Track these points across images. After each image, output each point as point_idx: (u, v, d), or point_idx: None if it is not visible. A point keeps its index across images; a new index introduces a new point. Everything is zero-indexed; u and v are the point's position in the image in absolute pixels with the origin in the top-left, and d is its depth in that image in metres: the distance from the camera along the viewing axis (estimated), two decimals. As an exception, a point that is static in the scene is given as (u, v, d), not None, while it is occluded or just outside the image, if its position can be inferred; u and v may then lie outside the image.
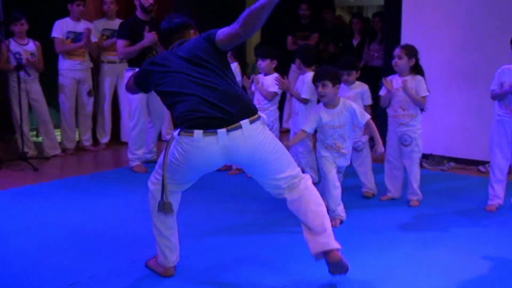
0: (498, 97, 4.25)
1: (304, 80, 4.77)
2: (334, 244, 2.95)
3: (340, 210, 4.08)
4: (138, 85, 3.15)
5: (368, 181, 4.73)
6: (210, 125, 2.73)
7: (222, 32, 2.80)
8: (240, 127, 2.74)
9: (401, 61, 4.39)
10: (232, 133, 2.73)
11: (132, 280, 3.11)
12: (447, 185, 5.20)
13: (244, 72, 6.09)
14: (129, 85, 3.26)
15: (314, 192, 3.02)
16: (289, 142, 4.11)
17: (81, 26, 6.32)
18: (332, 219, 3.96)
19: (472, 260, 3.41)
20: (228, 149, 2.76)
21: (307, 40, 7.36)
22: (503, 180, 4.39)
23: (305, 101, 4.69)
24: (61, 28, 6.26)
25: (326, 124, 4.05)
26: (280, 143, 2.99)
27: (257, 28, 2.75)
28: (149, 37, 5.31)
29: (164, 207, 2.89)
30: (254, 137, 2.79)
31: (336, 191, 4.07)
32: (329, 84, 3.94)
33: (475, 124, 5.73)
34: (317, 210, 2.97)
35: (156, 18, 5.58)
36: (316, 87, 4.04)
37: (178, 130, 2.80)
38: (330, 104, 4.04)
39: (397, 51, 4.44)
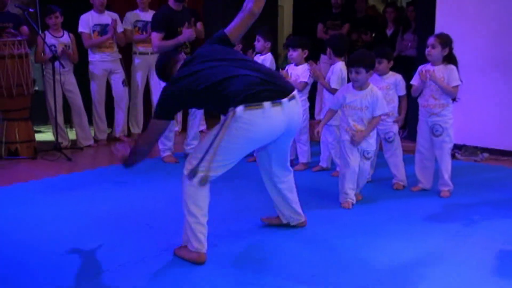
0: None
1: (333, 70, 4.76)
2: None
3: (352, 194, 4.16)
4: (170, 115, 3.19)
5: (399, 172, 4.69)
6: (273, 97, 2.99)
7: (230, 27, 3.25)
8: (294, 97, 3.11)
9: (434, 51, 4.33)
10: (291, 102, 3.07)
11: (161, 268, 3.14)
12: (481, 176, 5.13)
13: (276, 63, 6.07)
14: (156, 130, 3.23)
15: None
16: (320, 125, 4.27)
17: (105, 17, 6.39)
18: (344, 201, 4.12)
19: (505, 252, 3.35)
20: (290, 116, 3.07)
21: (338, 30, 7.31)
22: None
23: (334, 91, 4.67)
24: (87, 22, 6.34)
25: (349, 104, 4.14)
26: None
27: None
28: (187, 34, 5.30)
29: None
30: (300, 105, 3.25)
31: (354, 175, 4.13)
32: (362, 70, 4.03)
33: (509, 114, 5.65)
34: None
35: (188, 8, 5.64)
36: (350, 72, 4.12)
37: (241, 107, 2.90)
38: (359, 86, 4.09)
39: (431, 40, 4.37)
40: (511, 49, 5.60)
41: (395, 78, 4.66)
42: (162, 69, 3.35)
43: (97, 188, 4.73)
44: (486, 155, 5.80)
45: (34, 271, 3.10)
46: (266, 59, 5.47)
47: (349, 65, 4.18)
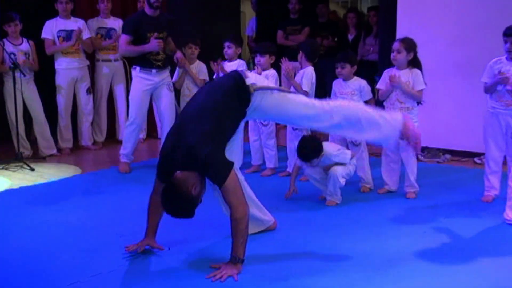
0: (490, 89, 4.30)
1: (304, 74, 4.84)
2: None
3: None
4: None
5: (365, 175, 4.78)
6: None
7: None
8: None
9: (400, 55, 4.43)
10: None
11: (134, 277, 3.14)
12: (444, 177, 5.27)
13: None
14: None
15: None
16: None
17: (72, 23, 6.32)
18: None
19: (470, 250, 3.47)
20: None
21: (297, 35, 7.39)
22: (498, 171, 4.45)
23: (305, 94, 4.74)
24: (51, 28, 6.26)
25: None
26: None
27: None
28: (153, 44, 5.26)
29: None
30: None
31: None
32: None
33: (470, 116, 5.78)
34: None
35: (168, 17, 5.64)
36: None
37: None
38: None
39: (396, 45, 4.47)
40: (471, 53, 5.75)
41: (359, 83, 4.76)
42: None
43: (62, 198, 4.66)
44: (448, 156, 5.94)
45: (3, 285, 3.05)
46: (271, 76, 5.23)
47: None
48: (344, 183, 4.38)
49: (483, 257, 3.36)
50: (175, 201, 3.04)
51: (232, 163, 3.11)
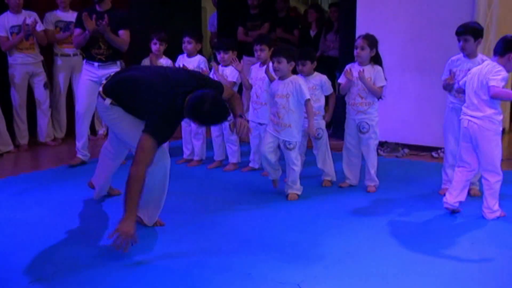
0: (446, 87, 4.42)
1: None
2: None
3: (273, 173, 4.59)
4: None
5: (327, 168, 4.85)
6: None
7: None
8: None
9: (363, 52, 4.50)
10: None
11: (97, 274, 3.11)
12: (402, 171, 5.38)
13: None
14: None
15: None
16: None
17: (23, 17, 6.17)
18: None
19: (427, 240, 3.57)
20: None
21: (257, 30, 7.41)
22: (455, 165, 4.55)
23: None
24: (3, 25, 6.12)
25: (273, 92, 4.45)
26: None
27: None
28: (87, 25, 5.19)
29: None
30: None
31: (264, 161, 4.50)
32: (283, 60, 4.32)
33: (427, 111, 5.92)
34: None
35: (114, 9, 5.50)
36: (272, 62, 4.44)
37: None
38: (282, 77, 4.41)
39: (359, 42, 4.54)
40: (427, 50, 5.87)
41: (320, 78, 4.82)
42: None
43: (21, 195, 4.59)
44: (406, 150, 6.06)
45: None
46: (232, 72, 5.27)
47: (271, 57, 4.56)
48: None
49: (439, 247, 3.46)
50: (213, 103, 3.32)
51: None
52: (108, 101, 3.54)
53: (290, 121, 4.34)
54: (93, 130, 6.77)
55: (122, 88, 3.58)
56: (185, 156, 5.73)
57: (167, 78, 3.52)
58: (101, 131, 6.93)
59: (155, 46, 5.65)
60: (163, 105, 3.35)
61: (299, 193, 4.48)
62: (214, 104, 3.32)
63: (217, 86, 3.71)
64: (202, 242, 3.54)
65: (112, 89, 3.58)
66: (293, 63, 4.43)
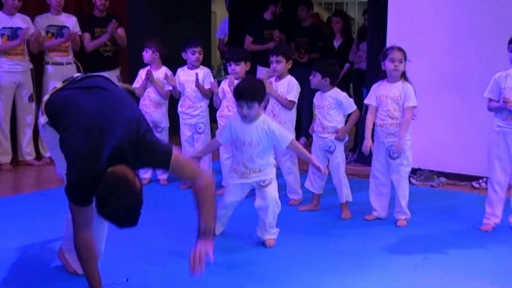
0: (495, 109, 4.42)
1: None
2: None
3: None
4: None
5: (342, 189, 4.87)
6: None
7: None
8: None
9: (402, 65, 4.49)
10: None
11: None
12: (438, 203, 5.35)
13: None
14: None
15: None
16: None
17: (17, 20, 6.32)
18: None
19: (468, 284, 3.53)
20: None
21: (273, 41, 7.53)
22: (502, 197, 4.51)
23: (291, 105, 5.00)
24: None
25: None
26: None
27: None
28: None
29: None
30: None
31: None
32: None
33: (468, 135, 5.88)
34: None
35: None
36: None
37: None
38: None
39: (398, 55, 4.51)
40: (467, 64, 5.85)
41: (336, 96, 4.80)
42: None
43: (2, 221, 4.61)
44: (443, 179, 6.03)
45: None
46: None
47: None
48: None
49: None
50: (123, 200, 2.76)
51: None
52: (44, 118, 3.19)
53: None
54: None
55: (57, 108, 3.13)
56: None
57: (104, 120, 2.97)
58: (6, 160, 6.62)
59: (146, 55, 5.71)
60: (81, 169, 2.91)
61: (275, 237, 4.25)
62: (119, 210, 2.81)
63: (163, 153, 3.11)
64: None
65: (55, 107, 3.15)
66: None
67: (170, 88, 5.71)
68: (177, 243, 4.15)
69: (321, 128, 4.84)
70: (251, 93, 3.95)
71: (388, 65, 4.51)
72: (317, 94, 4.93)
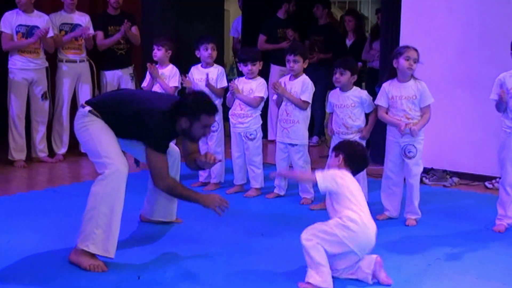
0: (500, 107, 4.41)
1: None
2: None
3: None
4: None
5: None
6: None
7: None
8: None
9: (415, 65, 4.48)
10: None
11: None
12: (450, 203, 5.33)
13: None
14: None
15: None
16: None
17: (34, 18, 6.36)
18: None
19: (479, 286, 3.52)
20: None
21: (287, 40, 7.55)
22: (512, 198, 4.51)
23: (306, 105, 5.00)
24: (10, 22, 6.27)
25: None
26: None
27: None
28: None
29: None
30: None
31: None
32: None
33: (481, 135, 5.87)
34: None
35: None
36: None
37: None
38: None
39: (413, 54, 4.49)
40: (479, 64, 5.84)
41: (360, 94, 4.83)
42: None
43: (14, 217, 4.65)
44: (456, 179, 6.01)
45: None
46: (261, 85, 5.41)
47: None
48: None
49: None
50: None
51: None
52: (87, 108, 3.81)
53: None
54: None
55: (115, 104, 3.90)
56: (201, 179, 5.78)
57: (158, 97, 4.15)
58: (62, 150, 6.88)
59: (158, 53, 5.77)
60: (158, 117, 3.75)
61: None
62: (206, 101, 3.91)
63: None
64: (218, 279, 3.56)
65: (103, 105, 3.90)
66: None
67: (176, 84, 5.74)
68: (189, 242, 4.18)
69: (345, 128, 4.84)
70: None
71: (402, 63, 4.47)
72: (335, 93, 4.93)
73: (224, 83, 5.57)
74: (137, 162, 4.13)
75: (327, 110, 5.24)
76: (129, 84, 7.06)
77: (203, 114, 3.76)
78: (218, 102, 5.60)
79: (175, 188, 3.85)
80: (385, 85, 4.64)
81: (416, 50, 4.51)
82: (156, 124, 3.73)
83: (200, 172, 5.73)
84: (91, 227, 3.55)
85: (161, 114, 3.74)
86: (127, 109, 3.81)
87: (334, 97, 4.95)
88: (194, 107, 3.77)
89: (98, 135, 3.74)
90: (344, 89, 4.84)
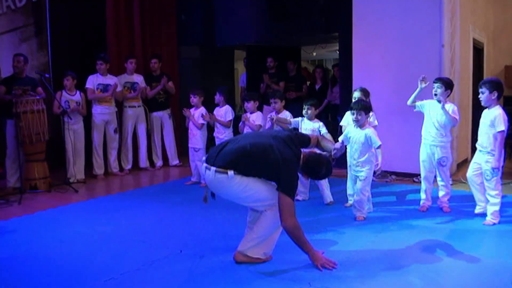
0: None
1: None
2: None
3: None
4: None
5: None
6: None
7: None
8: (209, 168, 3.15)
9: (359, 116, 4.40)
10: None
11: (156, 274, 3.15)
12: (390, 193, 5.33)
13: (234, 111, 6.19)
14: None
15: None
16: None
17: (108, 79, 6.46)
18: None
19: (411, 246, 3.53)
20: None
21: (276, 86, 7.56)
22: (430, 187, 4.53)
23: None
24: (92, 81, 6.38)
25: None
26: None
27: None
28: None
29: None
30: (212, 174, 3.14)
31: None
32: (362, 113, 4.09)
33: (409, 146, 5.80)
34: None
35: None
36: (353, 114, 4.13)
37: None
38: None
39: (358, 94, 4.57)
40: (407, 98, 5.83)
41: (365, 132, 4.24)
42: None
43: (96, 214, 4.65)
44: (394, 177, 6.02)
45: (54, 278, 3.08)
46: (257, 116, 5.38)
47: (351, 109, 4.16)
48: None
49: (420, 249, 3.41)
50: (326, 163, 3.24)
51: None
52: (231, 172, 3.07)
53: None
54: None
55: (245, 157, 3.10)
56: (193, 179, 5.83)
57: (278, 139, 3.18)
58: (128, 166, 6.83)
59: (194, 99, 5.76)
60: (292, 164, 3.10)
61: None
62: (328, 167, 3.25)
63: (309, 139, 3.47)
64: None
65: (232, 161, 3.10)
66: (369, 114, 4.22)
67: (202, 121, 5.73)
68: (221, 226, 4.16)
69: None
70: (357, 106, 4.13)
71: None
72: (304, 121, 4.88)
73: (230, 117, 5.57)
74: (213, 194, 3.28)
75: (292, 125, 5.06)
76: (168, 121, 7.04)
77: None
78: (228, 130, 5.58)
79: (299, 229, 3.08)
80: (347, 113, 4.58)
81: (360, 90, 4.58)
82: (293, 172, 3.10)
83: (193, 172, 5.73)
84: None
85: (295, 164, 3.14)
86: (262, 161, 3.08)
87: (304, 124, 4.88)
88: (319, 177, 3.39)
89: (254, 187, 3.12)
90: (310, 119, 4.82)
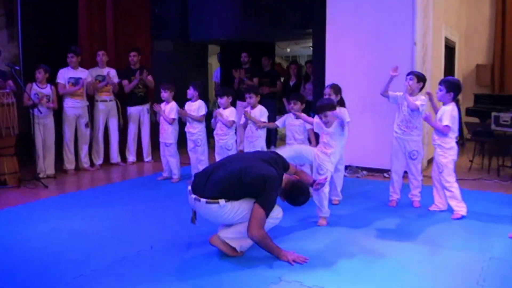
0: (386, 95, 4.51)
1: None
2: None
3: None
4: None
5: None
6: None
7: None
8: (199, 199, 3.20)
9: (331, 98, 4.50)
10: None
11: (127, 271, 3.14)
12: (361, 189, 5.38)
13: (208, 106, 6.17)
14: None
15: None
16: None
17: (79, 72, 6.36)
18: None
19: (379, 241, 3.60)
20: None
21: (251, 81, 7.56)
22: (400, 182, 4.60)
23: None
24: (63, 75, 6.26)
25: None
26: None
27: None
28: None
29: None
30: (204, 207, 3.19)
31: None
32: (329, 113, 3.90)
33: (380, 142, 5.94)
34: None
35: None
36: (320, 117, 3.98)
37: None
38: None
39: (327, 90, 4.60)
40: (379, 96, 5.92)
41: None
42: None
43: (67, 210, 4.58)
44: (365, 172, 6.11)
45: (21, 277, 3.02)
46: (231, 111, 5.31)
47: (317, 112, 4.00)
48: None
49: (388, 242, 3.49)
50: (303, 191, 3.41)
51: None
52: (222, 201, 3.13)
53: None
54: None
55: (235, 184, 3.16)
56: (164, 174, 5.85)
57: (265, 161, 3.29)
58: (99, 161, 6.74)
59: (165, 94, 5.74)
60: (276, 182, 3.21)
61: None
62: (307, 197, 3.42)
63: (289, 165, 3.54)
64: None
65: (221, 189, 3.15)
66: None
67: (173, 116, 5.71)
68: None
69: (293, 139, 4.87)
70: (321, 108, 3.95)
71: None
72: (289, 116, 4.92)
73: (203, 111, 5.53)
74: (194, 218, 3.34)
75: (280, 126, 5.11)
76: (146, 115, 6.94)
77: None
78: (202, 125, 5.55)
79: (266, 238, 3.16)
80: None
81: (330, 87, 4.61)
82: (275, 191, 3.20)
83: (164, 168, 5.78)
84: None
85: (279, 184, 3.26)
86: (252, 183, 3.14)
87: (288, 119, 4.94)
88: (297, 204, 3.43)
89: (246, 208, 3.18)
90: (296, 115, 4.82)
